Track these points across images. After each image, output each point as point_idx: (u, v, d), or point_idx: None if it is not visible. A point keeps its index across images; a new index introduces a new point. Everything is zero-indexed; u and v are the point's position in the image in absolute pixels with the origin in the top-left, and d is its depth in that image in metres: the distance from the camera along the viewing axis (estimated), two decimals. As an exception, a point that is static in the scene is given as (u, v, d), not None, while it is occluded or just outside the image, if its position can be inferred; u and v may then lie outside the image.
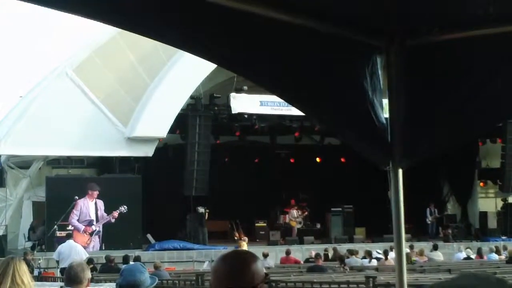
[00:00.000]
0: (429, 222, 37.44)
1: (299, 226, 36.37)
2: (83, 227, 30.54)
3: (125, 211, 30.81)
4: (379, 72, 3.70)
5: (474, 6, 3.24)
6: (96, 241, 30.79)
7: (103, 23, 3.19)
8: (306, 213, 36.83)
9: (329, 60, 3.56)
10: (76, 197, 30.32)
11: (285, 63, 3.48)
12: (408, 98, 3.75)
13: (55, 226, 29.54)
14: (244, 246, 27.57)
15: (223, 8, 3.06)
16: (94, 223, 30.83)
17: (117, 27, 3.35)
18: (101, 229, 30.93)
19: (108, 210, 30.89)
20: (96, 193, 30.82)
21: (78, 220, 30.55)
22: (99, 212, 30.95)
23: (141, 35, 3.31)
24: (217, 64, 3.80)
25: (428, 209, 37.34)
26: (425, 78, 3.71)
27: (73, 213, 30.42)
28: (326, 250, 28.26)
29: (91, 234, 30.67)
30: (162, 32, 3.26)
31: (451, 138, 3.95)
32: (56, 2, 2.97)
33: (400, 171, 3.88)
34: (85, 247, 26.79)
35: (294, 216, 36.31)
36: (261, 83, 3.73)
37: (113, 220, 30.93)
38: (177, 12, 3.06)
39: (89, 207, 30.84)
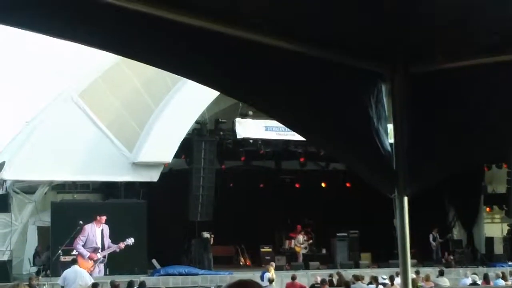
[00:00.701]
0: (434, 248, 37.24)
1: (304, 251, 36.30)
2: (88, 253, 30.45)
3: (131, 243, 30.72)
4: (384, 99, 3.70)
5: (479, 34, 3.24)
6: (101, 267, 30.65)
7: (99, 49, 3.20)
8: (311, 240, 36.78)
9: (333, 87, 3.56)
10: (81, 222, 30.23)
11: (289, 91, 3.48)
12: (412, 125, 3.75)
13: (60, 251, 29.47)
14: (272, 270, 27.71)
15: (226, 36, 3.07)
16: (100, 250, 30.74)
17: (113, 53, 3.36)
18: (106, 258, 30.83)
19: (113, 235, 30.80)
20: (104, 218, 30.77)
21: (83, 246, 30.48)
22: (105, 239, 30.87)
23: (137, 60, 3.32)
24: (217, 90, 3.82)
25: (431, 235, 37.17)
26: (429, 105, 3.71)
27: (79, 238, 30.35)
28: (330, 275, 28.08)
29: (95, 261, 30.54)
30: (158, 58, 3.27)
31: (454, 165, 3.94)
32: (52, 29, 2.98)
33: (406, 199, 3.87)
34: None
35: (300, 242, 36.24)
36: (264, 110, 3.73)
37: (118, 250, 30.84)
38: (176, 38, 3.07)
39: (96, 233, 30.78)
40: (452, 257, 35.27)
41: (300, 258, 35.50)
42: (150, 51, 3.16)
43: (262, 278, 26.68)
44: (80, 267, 26.86)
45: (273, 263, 29.84)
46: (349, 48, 3.41)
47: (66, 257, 28.94)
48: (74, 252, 29.84)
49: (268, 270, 27.81)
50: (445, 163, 3.88)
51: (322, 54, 3.37)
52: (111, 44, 3.11)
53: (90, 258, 30.35)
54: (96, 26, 2.94)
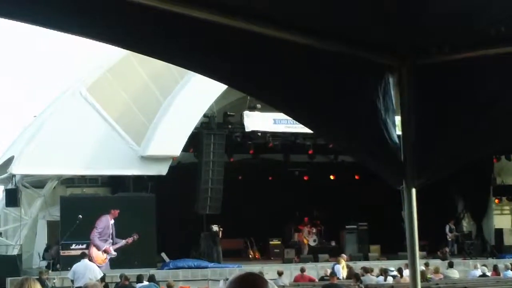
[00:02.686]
0: (449, 239, 37.22)
1: (313, 244, 36.34)
2: (105, 246, 30.52)
3: (136, 238, 30.75)
4: (392, 91, 3.70)
5: (485, 25, 3.23)
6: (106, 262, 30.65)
7: (103, 42, 3.19)
8: (314, 230, 36.82)
9: (341, 80, 3.56)
10: (80, 216, 29.95)
11: (297, 83, 3.48)
12: (420, 116, 3.74)
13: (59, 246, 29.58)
14: (343, 262, 28.12)
15: (233, 30, 3.07)
16: (111, 244, 30.81)
17: (119, 47, 3.36)
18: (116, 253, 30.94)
19: (122, 229, 30.81)
20: (117, 212, 30.83)
21: (98, 238, 30.56)
22: (114, 233, 30.97)
23: (144, 54, 3.32)
24: (225, 83, 3.82)
25: (447, 226, 37.20)
26: (438, 97, 3.70)
27: (96, 229, 30.38)
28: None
29: (108, 254, 30.54)
30: (163, 51, 3.26)
31: (463, 157, 3.93)
32: (60, 25, 2.97)
33: (414, 191, 3.86)
34: (99, 266, 26.80)
35: (305, 234, 36.39)
36: (272, 103, 3.73)
37: (124, 245, 30.88)
38: (181, 32, 3.07)
39: (110, 226, 30.84)
40: (447, 249, 35.09)
41: (306, 251, 35.50)
42: (156, 45, 3.16)
43: (333, 269, 26.84)
44: (94, 259, 27.06)
45: (344, 255, 30.07)
46: (356, 41, 3.40)
47: (65, 251, 29.02)
48: (74, 246, 29.71)
49: (338, 262, 28.20)
50: (453, 155, 3.87)
51: (329, 47, 3.36)
52: (121, 38, 3.11)
53: (105, 251, 30.41)
54: (104, 19, 2.94)
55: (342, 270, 27.37)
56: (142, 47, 3.28)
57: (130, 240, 30.77)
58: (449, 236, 37.28)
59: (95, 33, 3.05)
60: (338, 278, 25.42)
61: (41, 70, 56.97)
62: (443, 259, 32.83)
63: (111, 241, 30.81)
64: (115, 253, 30.76)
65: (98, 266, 26.74)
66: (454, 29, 3.33)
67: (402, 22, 3.28)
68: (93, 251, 29.96)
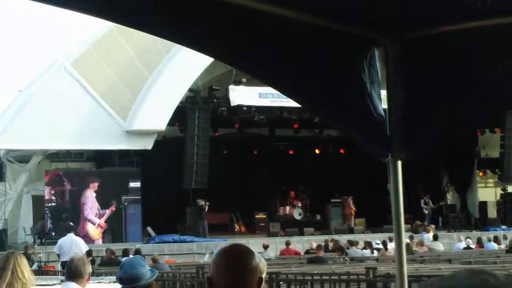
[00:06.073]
0: (426, 212, 37.46)
1: (298, 217, 36.41)
2: (99, 220, 30.60)
3: (116, 204, 30.84)
4: (377, 64, 3.70)
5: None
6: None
7: (99, 18, 3.18)
8: (300, 203, 36.88)
9: (326, 53, 3.56)
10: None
11: (282, 56, 3.48)
12: (407, 90, 3.74)
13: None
14: (431, 232, 30.09)
15: (221, 3, 3.06)
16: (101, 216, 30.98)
17: (113, 22, 3.34)
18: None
19: (108, 204, 30.87)
20: (96, 184, 30.87)
21: (91, 213, 30.71)
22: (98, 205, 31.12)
23: (140, 30, 3.30)
24: (214, 58, 3.80)
25: (422, 200, 37.35)
26: (424, 71, 3.70)
27: (86, 205, 30.44)
28: (326, 241, 28.17)
29: (102, 228, 30.71)
30: (160, 27, 3.25)
31: (450, 131, 3.93)
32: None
33: (399, 163, 3.87)
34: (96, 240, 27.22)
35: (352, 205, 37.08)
36: (257, 76, 3.72)
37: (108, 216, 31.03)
38: (177, 7, 3.05)
39: (95, 199, 30.92)
40: (419, 222, 35.18)
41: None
42: (140, 16, 3.13)
43: (422, 237, 28.12)
44: (90, 234, 27.26)
45: (433, 225, 31.93)
46: (342, 14, 3.40)
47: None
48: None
49: (427, 231, 30.12)
50: (440, 129, 3.87)
51: (315, 20, 3.36)
52: (98, 8, 3.07)
53: (99, 225, 30.52)
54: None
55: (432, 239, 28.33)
56: (130, 20, 3.26)
57: (112, 208, 30.83)
58: (424, 209, 37.50)
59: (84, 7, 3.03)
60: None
61: (25, 44, 56.61)
62: (415, 232, 32.94)
63: (100, 212, 30.90)
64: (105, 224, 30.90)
65: (95, 241, 27.16)
66: (441, 3, 3.33)
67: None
68: (89, 226, 30.05)
